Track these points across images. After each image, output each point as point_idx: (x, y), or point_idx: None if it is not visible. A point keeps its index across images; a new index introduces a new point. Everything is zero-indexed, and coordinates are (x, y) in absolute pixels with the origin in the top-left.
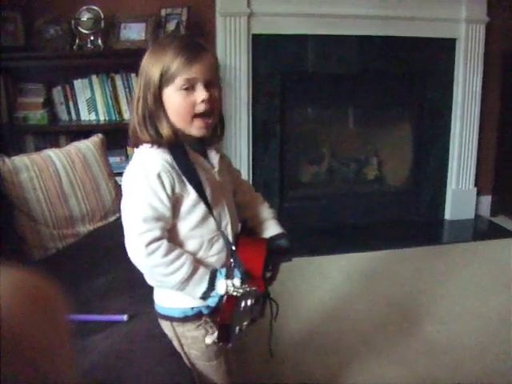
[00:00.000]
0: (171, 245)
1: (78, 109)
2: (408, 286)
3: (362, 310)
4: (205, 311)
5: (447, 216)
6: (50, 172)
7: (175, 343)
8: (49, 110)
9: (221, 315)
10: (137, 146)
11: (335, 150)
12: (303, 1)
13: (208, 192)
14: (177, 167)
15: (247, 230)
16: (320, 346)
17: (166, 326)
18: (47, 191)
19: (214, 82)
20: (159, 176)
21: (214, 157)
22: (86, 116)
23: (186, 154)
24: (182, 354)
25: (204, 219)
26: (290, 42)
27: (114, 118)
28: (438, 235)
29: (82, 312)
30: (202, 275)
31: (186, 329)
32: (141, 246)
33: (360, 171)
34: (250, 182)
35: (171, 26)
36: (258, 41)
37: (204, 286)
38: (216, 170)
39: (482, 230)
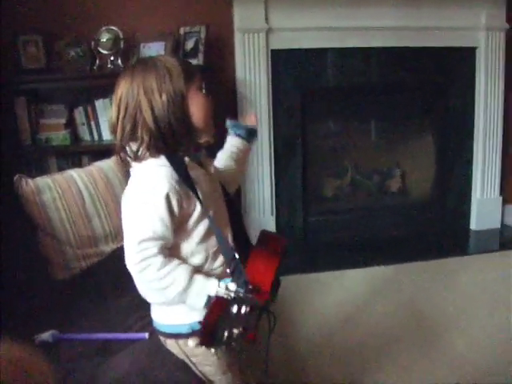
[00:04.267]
0: (167, 259)
1: (100, 129)
2: (434, 297)
3: (386, 322)
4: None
5: (472, 226)
6: (73, 192)
7: (186, 361)
8: (71, 130)
9: (206, 315)
10: (139, 160)
11: (358, 163)
12: (321, 15)
13: (210, 203)
14: (182, 183)
15: (264, 243)
16: (344, 357)
17: (171, 345)
18: (70, 211)
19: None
20: (167, 197)
21: (208, 163)
22: (108, 136)
23: (186, 168)
24: (197, 372)
25: (208, 232)
26: (310, 56)
27: None
28: (463, 246)
29: (105, 330)
30: (203, 285)
31: (193, 345)
32: (133, 265)
33: (383, 183)
34: (274, 198)
35: (190, 44)
36: (278, 56)
37: (204, 300)
38: (210, 175)
39: (508, 240)
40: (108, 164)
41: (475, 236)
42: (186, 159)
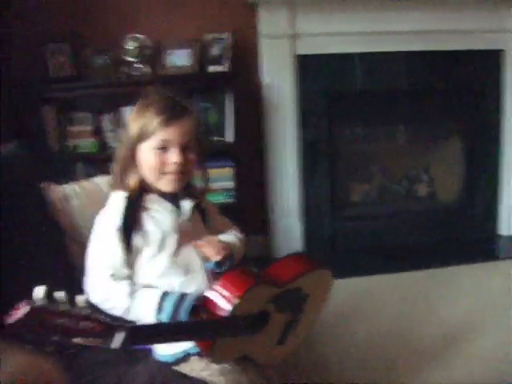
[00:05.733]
0: (111, 284)
1: None
2: (461, 303)
3: (415, 328)
4: (192, 351)
5: (502, 231)
6: (100, 199)
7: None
8: (98, 137)
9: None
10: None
11: (386, 168)
12: (347, 19)
13: (171, 239)
14: (143, 215)
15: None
16: (367, 362)
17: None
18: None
19: (190, 146)
20: (116, 229)
21: (187, 206)
22: None
23: (139, 206)
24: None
25: (171, 264)
26: (336, 61)
27: None
28: (493, 251)
29: None
30: (149, 298)
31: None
32: (87, 289)
33: (411, 188)
34: (301, 204)
35: (215, 51)
36: (304, 61)
37: (153, 312)
38: (185, 218)
39: None
40: None
41: (504, 241)
42: (152, 196)
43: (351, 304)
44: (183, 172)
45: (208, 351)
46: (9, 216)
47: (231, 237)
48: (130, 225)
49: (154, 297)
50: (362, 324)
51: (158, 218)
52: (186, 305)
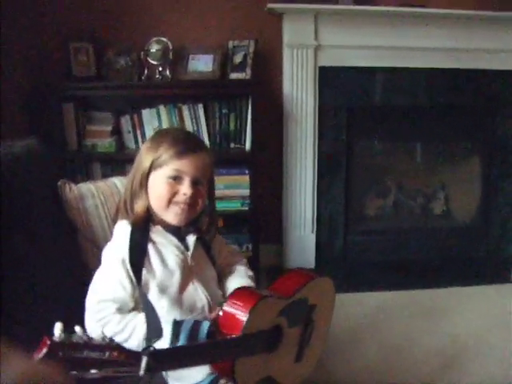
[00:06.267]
0: (120, 317)
1: (145, 138)
2: (475, 324)
3: (424, 347)
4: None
5: None
6: (115, 200)
7: None
8: (116, 138)
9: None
10: (114, 222)
11: (402, 184)
12: (371, 33)
13: (176, 275)
14: (149, 248)
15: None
16: (381, 378)
17: None
18: (111, 219)
19: (202, 181)
20: (123, 261)
21: (191, 240)
22: None
23: (146, 237)
24: None
25: (176, 300)
26: (357, 75)
27: None
28: (507, 273)
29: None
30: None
31: None
32: (92, 322)
33: (427, 206)
34: (315, 215)
35: (238, 58)
36: (325, 73)
37: (168, 342)
38: (189, 253)
39: None
40: None
41: None
42: (157, 228)
43: (359, 318)
44: (191, 205)
45: (230, 374)
46: (23, 212)
47: (244, 280)
48: (137, 255)
49: (167, 326)
50: (368, 339)
51: (164, 253)
52: (203, 330)
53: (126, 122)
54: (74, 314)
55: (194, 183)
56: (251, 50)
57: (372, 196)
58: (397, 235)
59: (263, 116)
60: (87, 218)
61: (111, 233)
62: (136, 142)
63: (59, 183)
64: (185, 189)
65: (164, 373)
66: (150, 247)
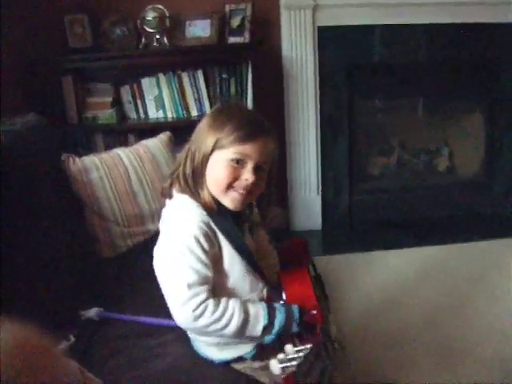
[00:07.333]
0: (216, 300)
1: (146, 107)
2: (480, 279)
3: (430, 305)
4: (247, 356)
5: None
6: (120, 171)
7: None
8: (117, 109)
9: None
10: (170, 197)
11: (405, 142)
12: None
13: (240, 256)
14: (214, 227)
15: (286, 259)
16: (383, 340)
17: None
18: (117, 190)
19: (264, 167)
20: (196, 237)
21: (245, 225)
22: (154, 114)
23: (225, 215)
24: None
25: (242, 278)
26: (357, 33)
27: (181, 115)
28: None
29: (149, 313)
30: (257, 314)
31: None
32: (188, 314)
33: (430, 162)
34: (319, 176)
35: (236, 22)
36: (324, 33)
37: (262, 324)
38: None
39: None
40: (154, 143)
41: None
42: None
43: (367, 278)
44: (250, 191)
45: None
46: (28, 188)
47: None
48: (207, 235)
49: (259, 310)
50: (376, 298)
51: (227, 237)
52: (295, 314)
53: (125, 92)
54: (85, 284)
55: (257, 169)
56: (248, 13)
57: (375, 155)
58: (401, 193)
59: (264, 79)
60: (92, 190)
61: (117, 204)
62: (137, 111)
63: (62, 158)
64: (247, 174)
65: (204, 342)
66: (216, 228)
